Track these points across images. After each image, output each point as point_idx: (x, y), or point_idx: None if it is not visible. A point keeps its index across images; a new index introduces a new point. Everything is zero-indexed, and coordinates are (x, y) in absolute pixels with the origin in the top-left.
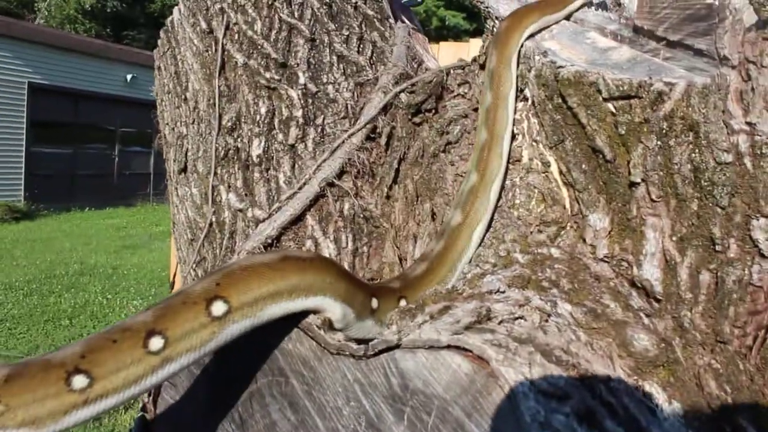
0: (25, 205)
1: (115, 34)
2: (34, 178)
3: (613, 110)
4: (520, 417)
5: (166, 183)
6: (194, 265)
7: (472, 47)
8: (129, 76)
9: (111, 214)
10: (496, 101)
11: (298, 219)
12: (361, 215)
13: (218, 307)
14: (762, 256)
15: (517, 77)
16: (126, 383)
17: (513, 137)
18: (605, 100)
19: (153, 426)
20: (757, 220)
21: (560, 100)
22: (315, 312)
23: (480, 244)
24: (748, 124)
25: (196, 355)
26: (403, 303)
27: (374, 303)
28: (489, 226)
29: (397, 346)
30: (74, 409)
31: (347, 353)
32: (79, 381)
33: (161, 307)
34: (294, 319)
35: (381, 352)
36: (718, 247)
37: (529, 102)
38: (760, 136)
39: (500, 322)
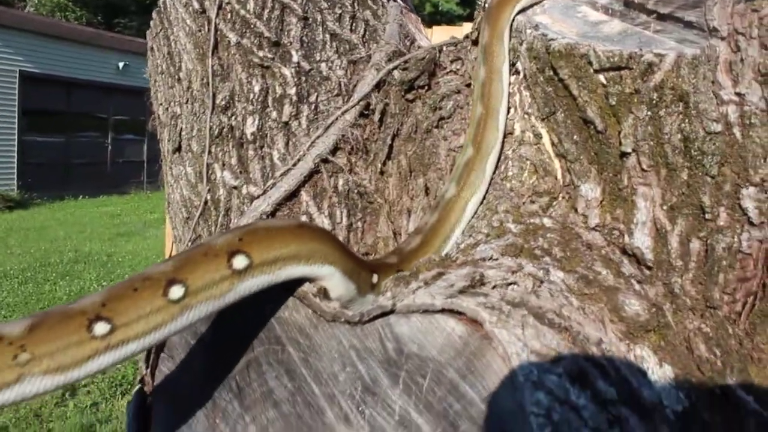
0: (19, 194)
1: (107, 21)
2: (27, 166)
3: (604, 81)
4: (514, 377)
5: (160, 164)
6: (189, 244)
7: (465, 32)
8: (121, 64)
9: (105, 202)
10: (490, 75)
11: (293, 195)
12: (355, 191)
13: (239, 261)
14: (751, 224)
15: (509, 51)
16: (146, 330)
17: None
18: (596, 71)
19: (151, 398)
20: (747, 188)
21: (551, 73)
22: (311, 281)
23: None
24: (738, 94)
25: (215, 305)
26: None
27: (374, 278)
28: (483, 198)
29: (392, 312)
30: (96, 355)
31: (343, 320)
32: (101, 328)
33: (182, 258)
34: (289, 288)
35: (376, 317)
36: (707, 216)
37: (521, 75)
38: (749, 106)
39: (493, 287)
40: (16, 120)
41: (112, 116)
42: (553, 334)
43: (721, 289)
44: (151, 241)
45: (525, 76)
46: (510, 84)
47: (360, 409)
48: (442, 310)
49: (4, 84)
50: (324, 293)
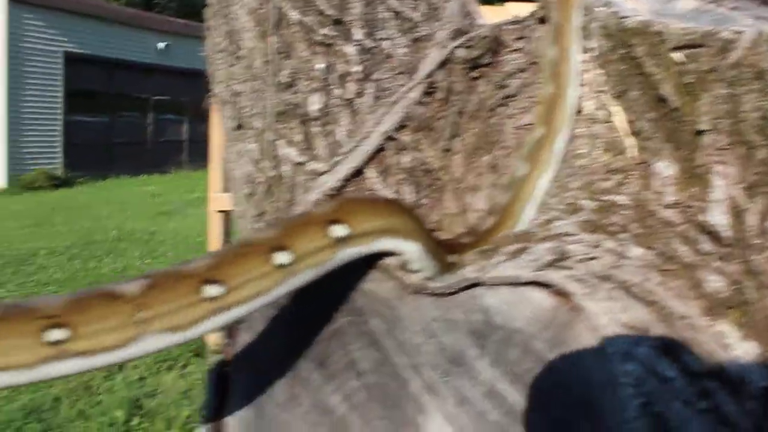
0: (63, 173)
1: (146, 2)
2: (71, 146)
3: (679, 60)
4: (604, 349)
5: (226, 144)
6: (254, 219)
7: (511, 11)
8: (161, 45)
9: (146, 181)
10: (561, 54)
11: (359, 172)
12: (421, 168)
13: (339, 230)
14: None
15: (580, 30)
16: (253, 295)
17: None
18: (671, 49)
19: (230, 368)
20: None
21: (625, 51)
22: (393, 255)
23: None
24: None
25: (315, 272)
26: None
27: (451, 258)
28: (553, 177)
29: (479, 284)
30: (208, 316)
31: (428, 292)
32: (212, 291)
33: (285, 226)
34: (372, 262)
35: (462, 289)
36: None
37: (593, 53)
38: None
39: (577, 262)
40: (61, 100)
41: (153, 96)
42: (640, 308)
43: None
44: (192, 220)
45: (597, 54)
46: (581, 62)
47: (445, 379)
48: (531, 283)
49: (50, 65)
50: (406, 267)
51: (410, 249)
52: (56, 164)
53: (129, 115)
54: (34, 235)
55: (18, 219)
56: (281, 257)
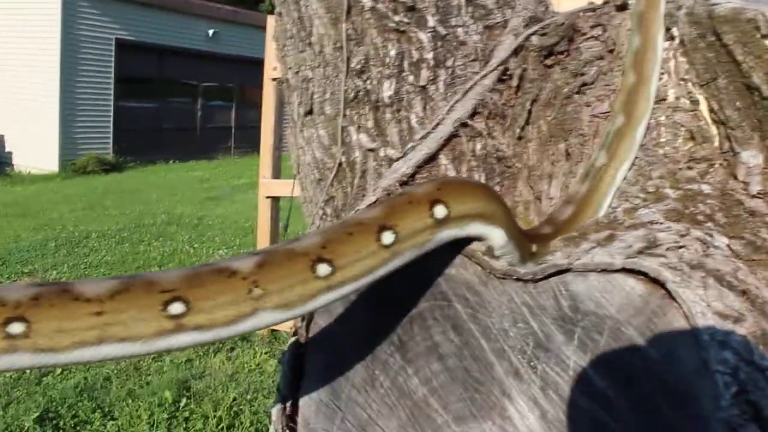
0: (114, 158)
1: None
2: (121, 131)
3: None
4: (699, 336)
5: (285, 131)
6: (323, 204)
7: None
8: (211, 31)
9: (194, 166)
10: (644, 43)
11: (432, 158)
12: (494, 155)
13: (439, 211)
14: None
15: (664, 17)
16: (361, 273)
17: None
18: (763, 37)
19: (306, 351)
20: None
21: (714, 38)
22: (478, 240)
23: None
24: None
25: (416, 252)
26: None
27: (533, 248)
28: (632, 166)
29: (568, 270)
30: (319, 294)
31: (515, 278)
32: (323, 269)
33: (388, 205)
34: (455, 247)
35: (550, 276)
36: None
37: (677, 41)
38: None
39: (667, 250)
40: (112, 86)
41: (202, 83)
42: (733, 297)
43: None
44: (240, 205)
45: (682, 41)
46: (664, 50)
47: (532, 364)
48: (622, 270)
49: (102, 52)
50: (491, 253)
51: (498, 235)
52: (107, 149)
53: (178, 101)
54: (86, 218)
55: (70, 203)
56: (387, 237)
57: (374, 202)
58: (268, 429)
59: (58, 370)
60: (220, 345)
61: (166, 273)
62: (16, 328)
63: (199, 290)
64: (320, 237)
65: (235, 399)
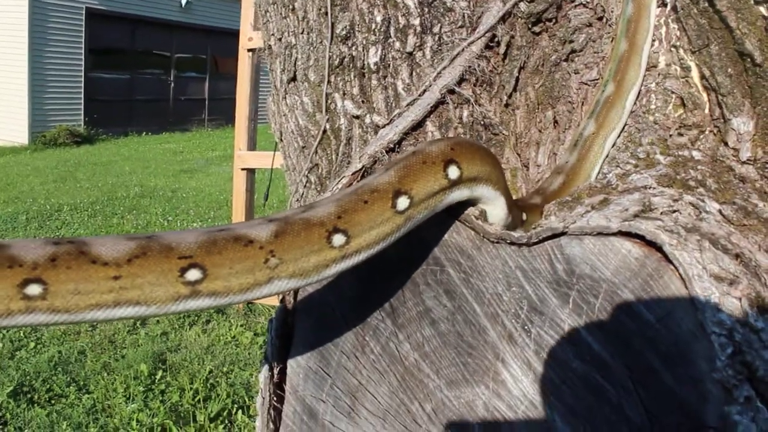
0: (85, 130)
1: None
2: (92, 103)
3: (765, 13)
4: (695, 298)
5: (273, 100)
6: (306, 172)
7: None
8: (184, 1)
9: (167, 138)
10: (638, 11)
11: (419, 125)
12: (481, 122)
13: (453, 171)
14: None
15: None
16: (376, 240)
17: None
18: (756, 3)
19: (293, 317)
20: None
21: (706, 4)
22: (473, 205)
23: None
24: None
25: (428, 214)
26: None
27: (524, 216)
28: (621, 132)
29: (564, 233)
30: (334, 263)
31: (508, 241)
32: (338, 239)
33: (402, 167)
34: (448, 211)
35: (546, 239)
36: None
37: (669, 8)
38: None
39: (662, 214)
40: (82, 57)
41: (175, 54)
42: (728, 260)
43: None
44: (214, 178)
45: (675, 8)
46: (656, 17)
47: (525, 327)
48: (619, 233)
49: (72, 21)
50: (485, 217)
51: (500, 201)
52: (78, 121)
53: (150, 73)
54: (58, 191)
55: (41, 175)
56: (402, 202)
57: (388, 163)
58: (244, 401)
59: (32, 344)
60: (196, 317)
61: (183, 236)
62: (34, 289)
63: (217, 257)
64: (335, 206)
65: (211, 371)
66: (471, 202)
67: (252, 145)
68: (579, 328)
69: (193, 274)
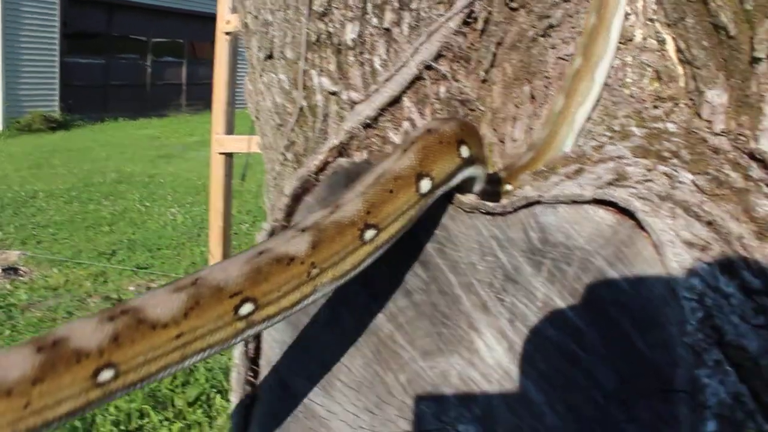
0: (61, 115)
1: None
2: (68, 88)
3: None
4: (667, 264)
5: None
6: (284, 150)
7: None
8: None
9: (144, 124)
10: None
11: (396, 101)
12: (458, 98)
13: (464, 151)
14: None
15: None
16: (403, 226)
17: (625, 18)
18: None
19: None
20: None
21: None
22: None
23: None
24: None
25: (443, 192)
26: (508, 187)
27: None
28: (595, 107)
29: (538, 202)
30: (368, 257)
31: (483, 211)
32: (370, 234)
33: (420, 148)
34: None
35: (520, 208)
36: None
37: None
38: None
39: (636, 182)
40: (57, 41)
41: (152, 39)
42: (699, 227)
43: None
44: (192, 163)
45: None
46: None
47: (499, 297)
48: (592, 200)
49: (46, 5)
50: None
51: (482, 174)
52: (53, 107)
53: (127, 57)
54: (33, 177)
55: (16, 162)
56: (425, 185)
57: (403, 143)
58: (222, 385)
59: (7, 331)
60: None
61: (227, 272)
62: (107, 374)
63: (265, 285)
64: (362, 201)
65: None
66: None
67: (230, 130)
68: (553, 296)
69: (247, 308)
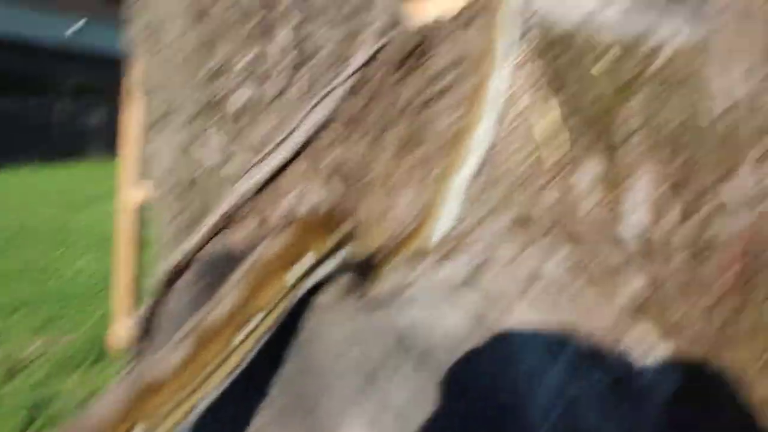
0: None
1: None
2: None
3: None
4: (532, 351)
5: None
6: (177, 213)
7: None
8: (74, 27)
9: (52, 171)
10: (486, 46)
11: (288, 164)
12: (351, 162)
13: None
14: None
15: (517, 20)
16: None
17: (508, 84)
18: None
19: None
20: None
21: (559, 50)
22: None
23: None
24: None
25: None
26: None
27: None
28: (478, 172)
29: (406, 289)
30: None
31: (352, 299)
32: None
33: (289, 239)
34: None
35: (389, 297)
36: (704, 199)
37: (531, 46)
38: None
39: (505, 264)
40: None
41: (64, 81)
42: (567, 308)
43: (712, 272)
44: (99, 213)
45: (534, 47)
46: (517, 56)
47: (369, 387)
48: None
49: None
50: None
51: (352, 261)
52: None
53: (36, 100)
54: None
55: None
56: (292, 276)
57: (273, 232)
58: None
59: None
60: (77, 365)
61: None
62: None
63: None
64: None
65: None
66: None
67: (139, 178)
68: (422, 383)
69: None
